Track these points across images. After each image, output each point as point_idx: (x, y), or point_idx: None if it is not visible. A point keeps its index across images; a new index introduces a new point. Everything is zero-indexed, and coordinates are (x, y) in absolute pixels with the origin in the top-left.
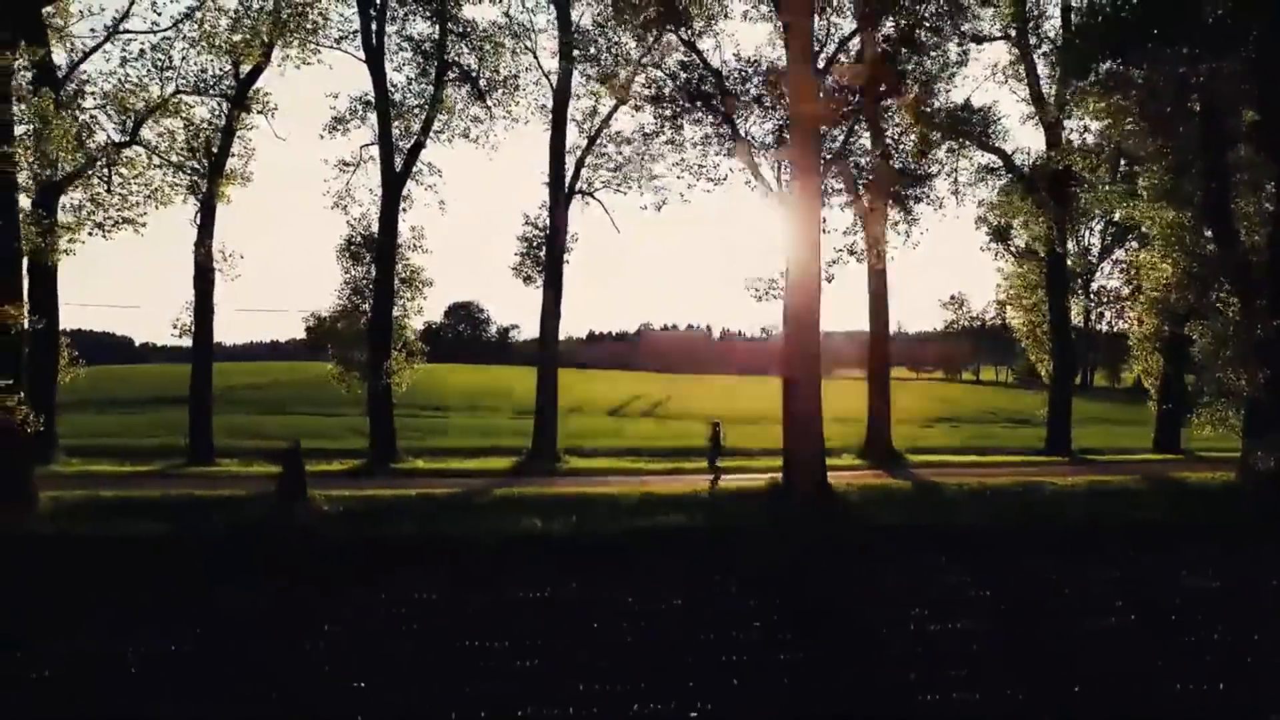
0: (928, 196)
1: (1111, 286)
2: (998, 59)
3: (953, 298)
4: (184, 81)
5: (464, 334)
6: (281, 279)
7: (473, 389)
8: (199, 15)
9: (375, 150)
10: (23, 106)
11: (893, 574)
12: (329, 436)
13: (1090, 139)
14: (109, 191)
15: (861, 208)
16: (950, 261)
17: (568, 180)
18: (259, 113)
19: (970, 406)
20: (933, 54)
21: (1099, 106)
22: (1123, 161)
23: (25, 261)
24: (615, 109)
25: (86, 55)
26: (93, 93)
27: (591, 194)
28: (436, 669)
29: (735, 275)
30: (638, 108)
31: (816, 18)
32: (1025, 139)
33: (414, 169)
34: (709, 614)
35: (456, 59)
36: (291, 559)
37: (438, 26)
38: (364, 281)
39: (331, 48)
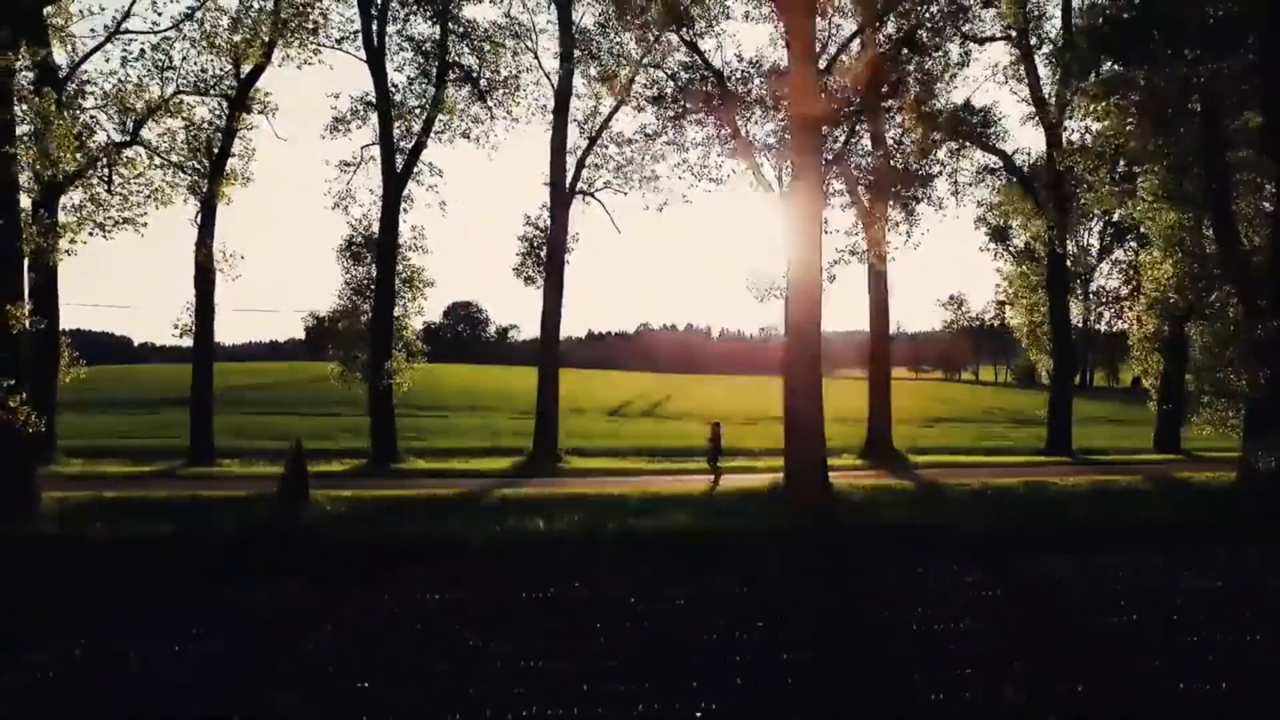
0: (929, 197)
1: (1110, 286)
2: (998, 60)
3: (952, 298)
4: (184, 82)
5: (463, 334)
6: (281, 279)
7: (472, 389)
8: (199, 15)
9: (376, 150)
10: (24, 107)
11: (896, 574)
12: (329, 437)
13: (1091, 139)
14: (109, 192)
15: (862, 208)
16: (949, 262)
17: (568, 180)
18: (259, 113)
19: (970, 406)
20: (934, 55)
21: (1100, 107)
22: (1122, 162)
23: (26, 261)
24: (616, 109)
25: (87, 55)
26: (93, 93)
27: (592, 194)
28: (440, 669)
29: (734, 275)
30: (639, 108)
31: (818, 18)
32: (1026, 140)
33: (415, 169)
34: (712, 614)
35: (457, 59)
36: (294, 559)
37: (438, 27)
38: (365, 282)
39: (332, 48)
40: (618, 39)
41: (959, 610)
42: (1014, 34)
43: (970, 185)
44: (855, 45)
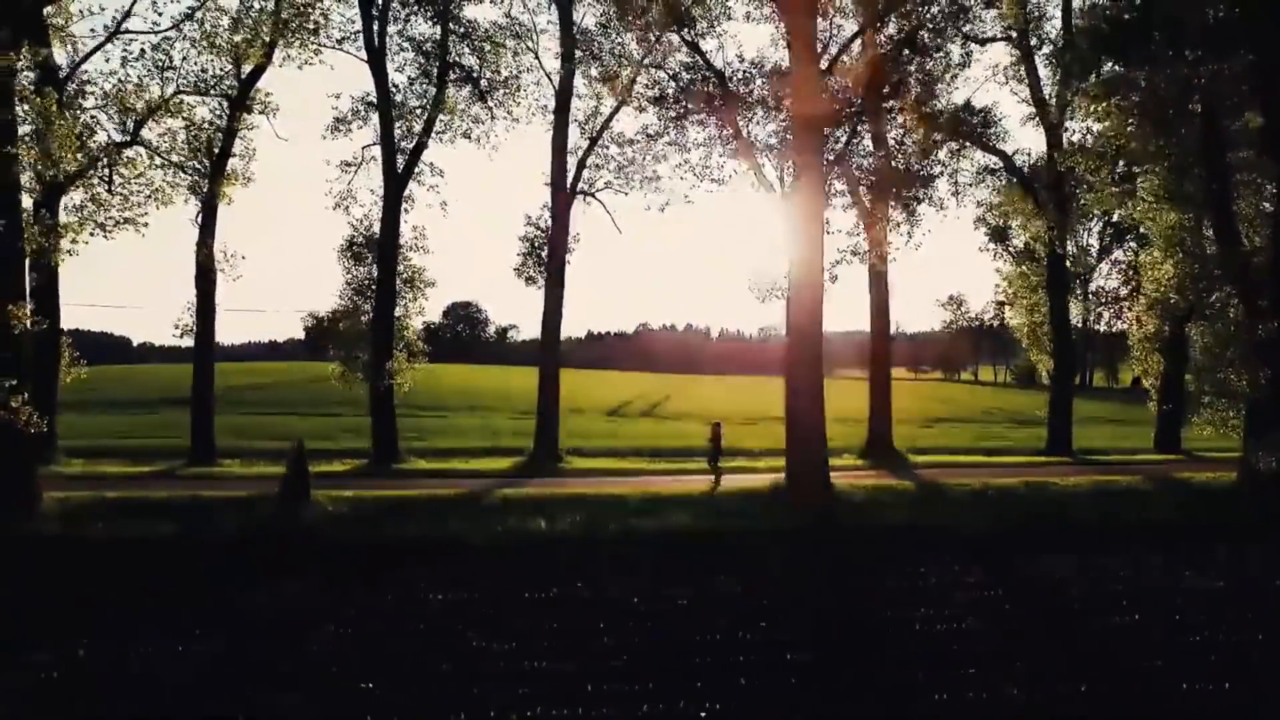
0: (930, 198)
1: (1110, 287)
2: (999, 60)
3: (951, 298)
4: (185, 82)
5: (462, 334)
6: (279, 279)
7: (471, 389)
8: (200, 15)
9: (377, 151)
10: (25, 107)
11: (898, 574)
12: (329, 437)
13: (1091, 140)
14: (110, 192)
15: (864, 209)
16: (948, 262)
17: (569, 181)
18: (260, 113)
19: (970, 406)
20: (935, 55)
21: (1100, 108)
22: (1122, 163)
23: (27, 262)
24: (617, 109)
25: (88, 55)
26: (93, 93)
27: (593, 195)
28: (444, 670)
29: (734, 276)
30: (641, 109)
31: (819, 19)
32: (1026, 140)
33: (416, 169)
34: (714, 614)
35: (458, 59)
36: (296, 560)
37: (439, 27)
38: (366, 282)
39: (333, 48)
40: (619, 39)
41: (961, 610)
42: (1014, 35)
43: (970, 186)
44: (856, 46)
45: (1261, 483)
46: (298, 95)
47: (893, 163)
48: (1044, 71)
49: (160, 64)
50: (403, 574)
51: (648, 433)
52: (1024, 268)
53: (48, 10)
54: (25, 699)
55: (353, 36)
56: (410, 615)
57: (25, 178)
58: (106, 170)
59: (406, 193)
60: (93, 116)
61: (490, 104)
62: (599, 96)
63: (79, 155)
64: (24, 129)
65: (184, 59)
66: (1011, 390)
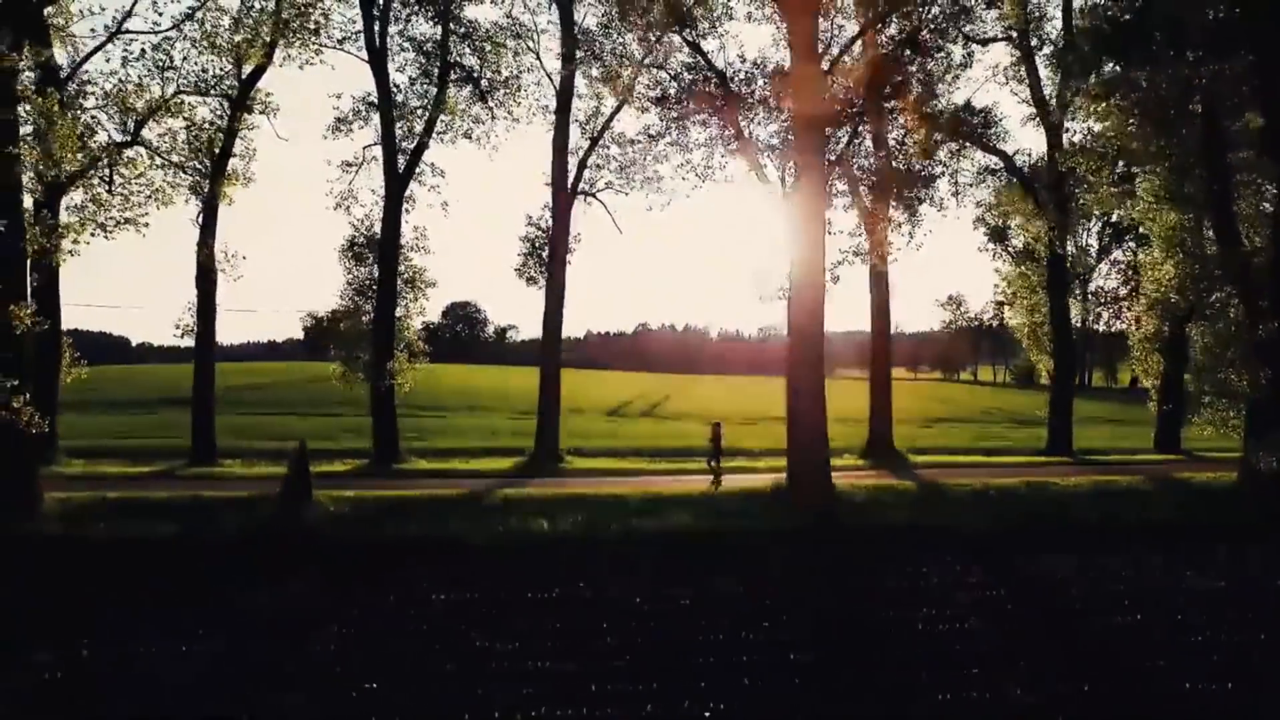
0: (931, 198)
1: (1109, 287)
2: (999, 60)
3: (950, 298)
4: (185, 82)
5: (461, 334)
6: (278, 279)
7: (470, 389)
8: (200, 15)
9: (378, 151)
10: (27, 107)
11: (900, 574)
12: (329, 437)
13: (1091, 140)
14: (110, 192)
15: (864, 209)
16: (947, 262)
17: (570, 181)
18: (261, 113)
19: (969, 406)
20: (936, 56)
21: (1101, 108)
22: (1122, 163)
23: (28, 262)
24: (618, 110)
25: (88, 55)
26: (93, 93)
27: (593, 195)
28: (447, 670)
29: (733, 276)
30: (643, 109)
31: (820, 19)
32: (1026, 140)
33: (417, 170)
34: (717, 614)
35: (459, 59)
36: (298, 560)
37: (440, 27)
38: (367, 282)
39: (334, 48)
40: (620, 39)
41: (963, 610)
42: (1015, 35)
43: (971, 186)
44: (857, 47)
45: (1262, 483)
46: (298, 95)
47: (893, 163)
48: (1044, 72)
49: (161, 64)
50: (404, 574)
51: (647, 433)
52: (1024, 268)
53: (48, 10)
54: (27, 699)
55: (354, 36)
56: (413, 615)
57: (26, 178)
58: (107, 170)
59: (407, 193)
60: (93, 117)
61: (491, 104)
62: (599, 96)
63: (79, 155)
64: (25, 129)
65: (184, 59)
66: (1011, 390)
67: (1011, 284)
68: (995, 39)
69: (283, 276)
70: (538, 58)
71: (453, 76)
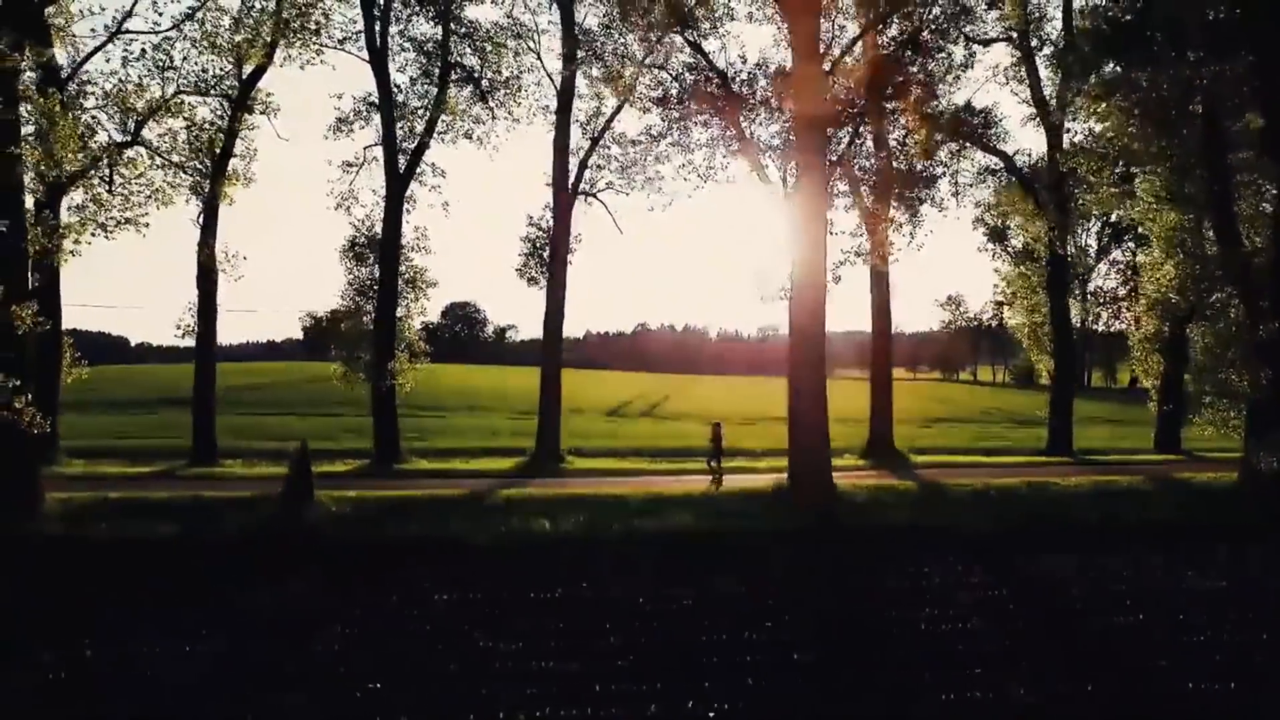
0: (932, 198)
1: (1108, 287)
2: (999, 61)
3: (950, 298)
4: (185, 82)
5: (460, 334)
6: (277, 279)
7: (469, 389)
8: (200, 15)
9: (379, 151)
10: (28, 107)
11: (902, 575)
12: (330, 437)
13: (1092, 141)
14: (110, 192)
15: (865, 210)
16: (945, 262)
17: (571, 181)
18: (261, 113)
19: (969, 406)
20: (937, 56)
21: (1101, 108)
22: (1121, 163)
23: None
24: (618, 110)
25: (89, 55)
26: (93, 93)
27: (594, 195)
28: (451, 670)
29: (733, 276)
30: (645, 109)
31: (821, 19)
32: (1027, 141)
33: (417, 170)
34: (720, 615)
35: (459, 59)
36: (301, 560)
37: (440, 27)
38: (368, 282)
39: (335, 48)
40: (621, 40)
41: (965, 610)
42: (1015, 35)
43: (971, 186)
44: (858, 47)
45: (1263, 483)
46: (299, 95)
47: (894, 163)
48: (1045, 72)
49: (161, 64)
50: (407, 574)
51: (647, 433)
52: (1023, 268)
53: (48, 10)
54: (28, 699)
55: (354, 36)
56: (415, 615)
57: (28, 178)
58: (107, 170)
59: (408, 193)
60: (93, 117)
61: (491, 104)
62: (600, 97)
63: (80, 155)
64: (26, 129)
65: (184, 59)
66: (1010, 390)
67: (1011, 284)
68: (996, 39)
69: (282, 276)
70: (538, 58)
71: (453, 76)
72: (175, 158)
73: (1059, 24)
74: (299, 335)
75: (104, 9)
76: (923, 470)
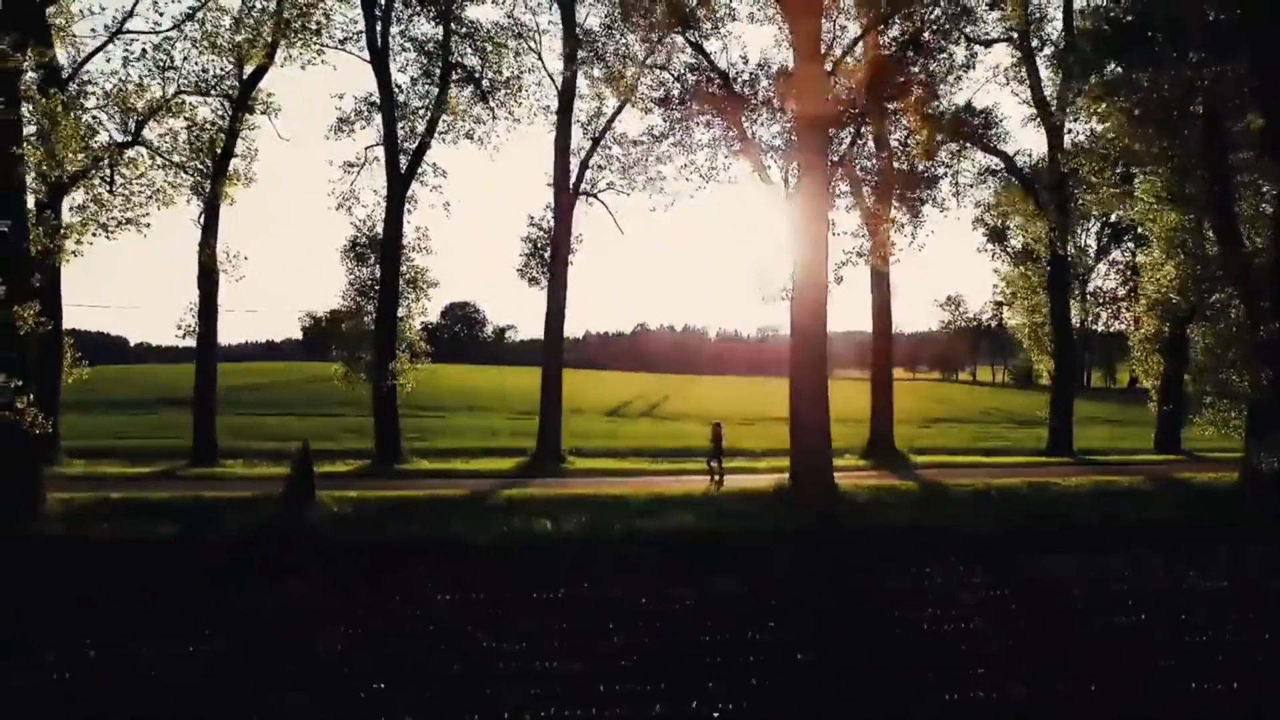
0: (933, 199)
1: (1107, 287)
2: (1000, 61)
3: (949, 298)
4: (186, 82)
5: (460, 334)
6: (276, 279)
7: (468, 389)
8: (201, 15)
9: (380, 151)
10: (30, 107)
11: (903, 575)
12: (330, 437)
13: (1092, 141)
14: (111, 192)
15: (866, 210)
16: (944, 263)
17: (572, 181)
18: (262, 113)
19: (968, 407)
20: (938, 57)
21: (1102, 108)
22: (1122, 163)
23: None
24: (619, 110)
25: (90, 55)
26: (94, 93)
27: (595, 195)
28: (455, 670)
29: (732, 276)
30: (646, 110)
31: (823, 20)
32: (1027, 141)
33: (419, 170)
34: (722, 615)
35: (460, 60)
36: (304, 561)
37: (441, 27)
38: (369, 282)
39: (336, 49)
40: (623, 40)
41: (967, 610)
42: (1015, 36)
43: (971, 186)
44: (859, 48)
45: (1263, 483)
46: (300, 95)
47: (895, 164)
48: (1045, 73)
49: (161, 64)
50: (409, 575)
51: (647, 433)
52: (1024, 268)
53: (49, 10)
54: (29, 699)
55: (355, 37)
56: (418, 616)
57: (29, 178)
58: (108, 170)
59: (409, 193)
60: (94, 117)
61: (492, 104)
62: (601, 97)
63: (81, 156)
64: (28, 129)
65: (185, 59)
66: (1009, 390)
67: (1011, 284)
68: (997, 40)
69: (281, 276)
70: (539, 58)
71: (454, 77)
72: (176, 158)
73: (1059, 24)
74: (298, 335)
75: (104, 9)
76: (923, 470)
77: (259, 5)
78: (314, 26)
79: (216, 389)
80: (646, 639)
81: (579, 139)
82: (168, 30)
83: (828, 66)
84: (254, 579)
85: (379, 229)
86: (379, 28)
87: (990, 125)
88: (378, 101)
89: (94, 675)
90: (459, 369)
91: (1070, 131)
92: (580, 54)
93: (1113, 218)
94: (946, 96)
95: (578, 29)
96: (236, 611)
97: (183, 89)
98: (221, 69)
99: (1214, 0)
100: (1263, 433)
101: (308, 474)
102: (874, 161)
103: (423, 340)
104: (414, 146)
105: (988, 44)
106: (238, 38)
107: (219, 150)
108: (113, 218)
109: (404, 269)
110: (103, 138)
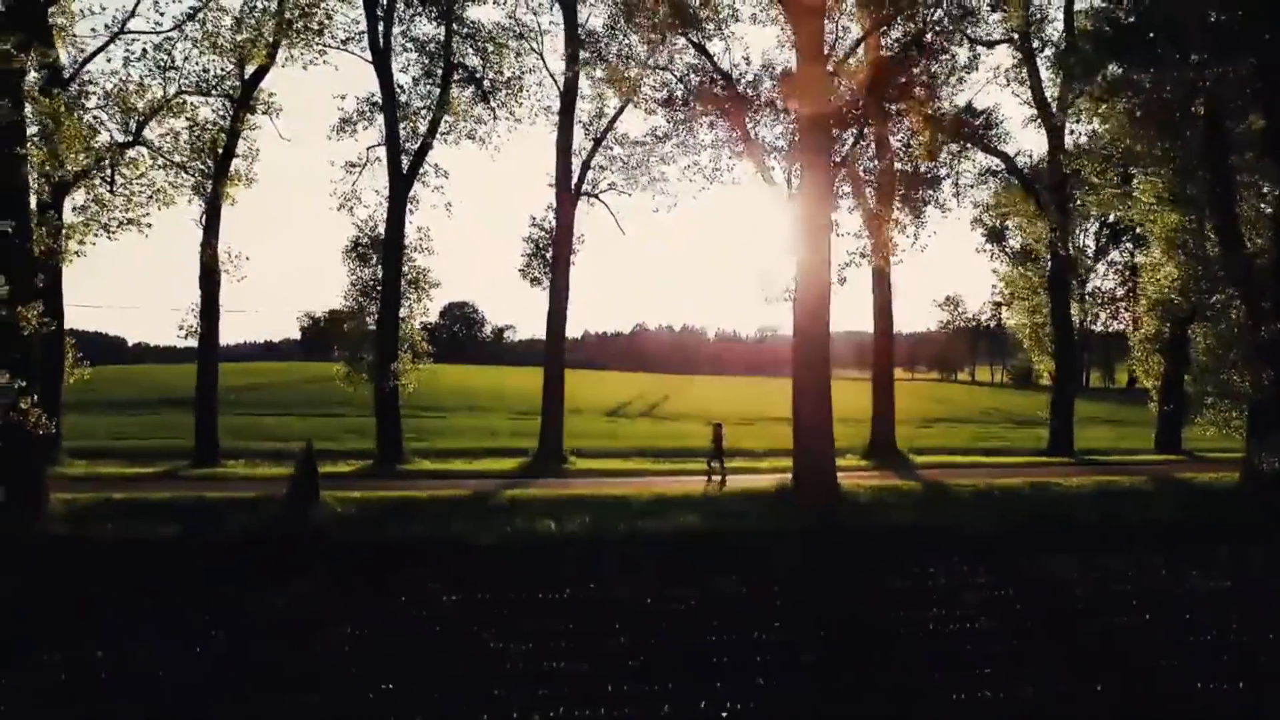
0: (935, 199)
1: (1106, 287)
2: (1000, 62)
3: (948, 298)
4: (187, 82)
5: (459, 334)
6: (275, 279)
7: (467, 389)
8: (201, 15)
9: (382, 152)
10: (32, 107)
11: (907, 575)
12: (331, 437)
13: (1093, 142)
14: (112, 192)
15: (868, 211)
16: (942, 263)
17: (574, 182)
18: (264, 113)
19: (968, 407)
20: (941, 58)
21: (1103, 109)
22: (1122, 164)
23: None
24: (621, 110)
25: (91, 56)
26: (94, 93)
27: (596, 196)
28: (462, 671)
29: (731, 276)
30: (650, 111)
31: (826, 21)
32: (1027, 142)
33: (420, 170)
34: (727, 615)
35: (462, 60)
36: (309, 561)
37: (443, 28)
38: (371, 283)
39: (338, 49)
40: (625, 41)
41: (972, 611)
42: (1016, 37)
43: (972, 187)
44: (861, 49)
45: (1265, 483)
46: (301, 96)
47: (897, 164)
48: (1046, 73)
49: (162, 64)
50: (413, 575)
51: (647, 433)
52: (1024, 269)
53: (50, 10)
54: (33, 699)
55: (357, 37)
56: (424, 616)
57: (32, 178)
58: (109, 170)
59: (411, 193)
60: (95, 117)
61: (493, 105)
62: (603, 97)
63: (83, 156)
64: (31, 129)
65: (186, 59)
66: (1008, 390)
67: (1011, 285)
68: (999, 41)
69: (280, 276)
70: (541, 58)
71: (456, 77)
72: (177, 158)
73: (1060, 25)
74: (296, 335)
75: (104, 9)
76: (925, 470)
77: (260, 5)
78: (315, 27)
79: (218, 389)
80: (652, 639)
81: (581, 139)
82: (169, 30)
83: (830, 67)
84: (257, 579)
85: (381, 229)
86: (381, 28)
87: (991, 126)
88: (379, 102)
89: (96, 676)
90: (458, 369)
91: (1071, 132)
92: (582, 55)
93: (1111, 218)
94: (948, 98)
95: (580, 29)
96: (240, 612)
97: (184, 89)
98: (223, 69)
99: (1215, 1)
100: (1264, 433)
101: (312, 474)
102: (876, 162)
103: (424, 341)
104: (416, 147)
105: (990, 45)
106: (239, 38)
107: (220, 150)
108: (114, 218)
109: (406, 269)
110: (103, 138)
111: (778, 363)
